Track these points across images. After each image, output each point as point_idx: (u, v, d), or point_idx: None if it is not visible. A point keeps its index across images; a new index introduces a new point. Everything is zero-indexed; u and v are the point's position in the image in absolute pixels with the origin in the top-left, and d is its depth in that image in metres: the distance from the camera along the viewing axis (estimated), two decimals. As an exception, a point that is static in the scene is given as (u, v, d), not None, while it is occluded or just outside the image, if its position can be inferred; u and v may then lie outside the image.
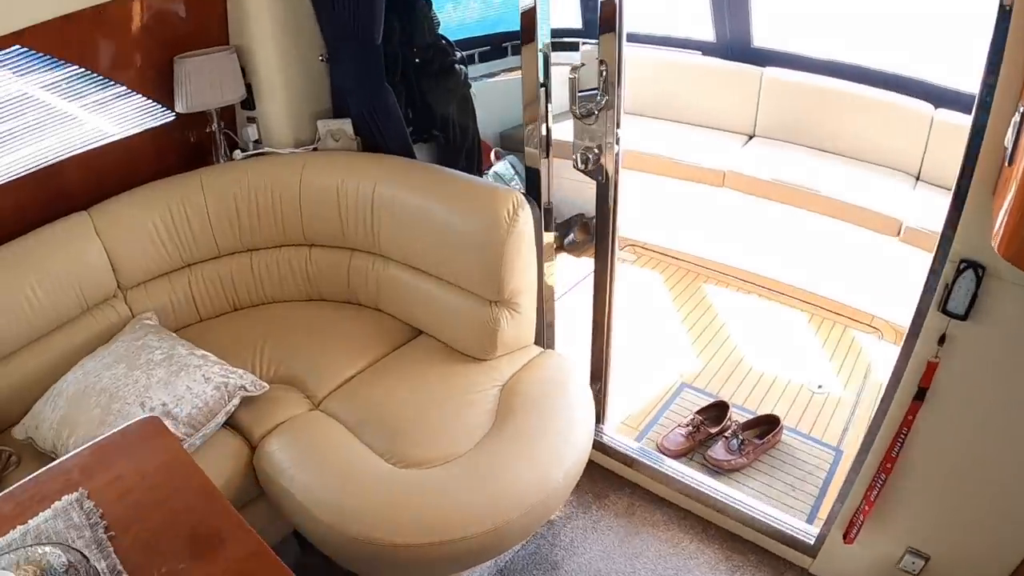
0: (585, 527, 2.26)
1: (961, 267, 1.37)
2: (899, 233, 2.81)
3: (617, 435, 2.49)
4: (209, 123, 2.37)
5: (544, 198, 2.16)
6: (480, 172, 2.92)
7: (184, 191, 2.24)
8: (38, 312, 1.98)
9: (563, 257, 3.59)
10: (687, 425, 2.52)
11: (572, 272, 3.25)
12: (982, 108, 1.28)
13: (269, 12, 2.26)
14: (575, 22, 3.81)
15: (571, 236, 3.63)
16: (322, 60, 2.39)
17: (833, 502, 1.91)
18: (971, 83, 1.30)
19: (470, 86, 2.77)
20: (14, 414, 1.95)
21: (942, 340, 1.45)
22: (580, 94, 1.88)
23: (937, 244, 1.44)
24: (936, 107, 2.95)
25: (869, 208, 2.90)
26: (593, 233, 2.25)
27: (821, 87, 3.29)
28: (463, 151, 2.81)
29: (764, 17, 3.46)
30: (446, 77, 2.72)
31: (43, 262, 1.99)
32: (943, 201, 1.40)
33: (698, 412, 2.57)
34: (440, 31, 2.68)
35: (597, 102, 1.90)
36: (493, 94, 3.11)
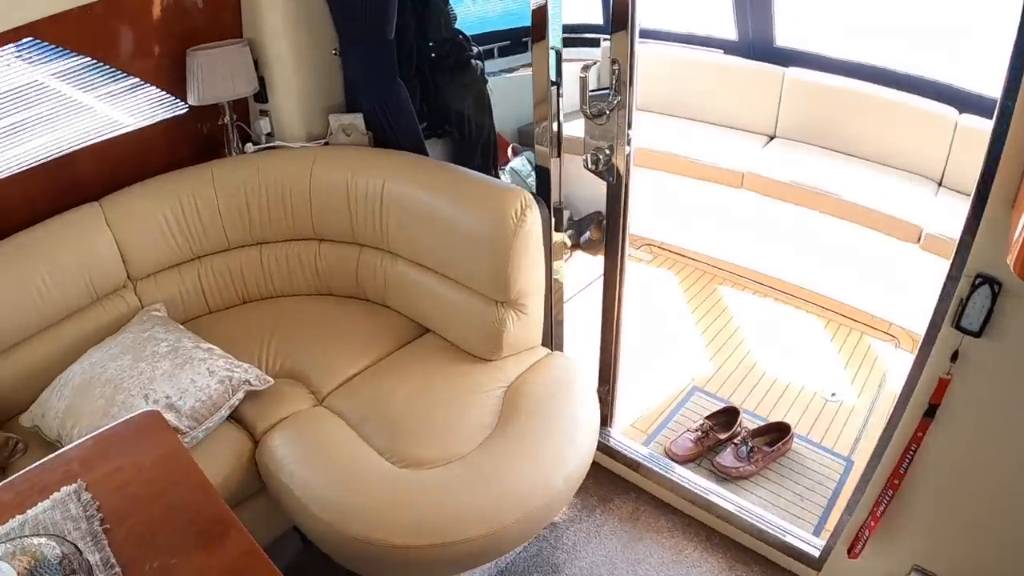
0: (588, 531, 2.24)
1: (976, 282, 1.32)
2: (919, 240, 2.75)
3: (624, 438, 2.47)
4: (222, 115, 2.37)
5: (555, 197, 2.13)
6: (496, 168, 2.90)
7: (195, 183, 2.25)
8: (48, 301, 2.00)
9: (579, 255, 3.57)
10: (696, 430, 2.49)
11: (587, 271, 3.22)
12: (1003, 115, 1.23)
13: (282, 5, 2.26)
14: (597, 17, 3.78)
15: (587, 234, 3.61)
16: (335, 54, 2.38)
17: (840, 514, 1.87)
18: (996, 88, 1.24)
19: (487, 81, 2.75)
20: (23, 402, 1.97)
21: (955, 357, 1.40)
22: (591, 93, 1.85)
23: (953, 256, 1.39)
24: (960, 111, 2.88)
25: (889, 213, 2.84)
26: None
27: (844, 88, 3.23)
28: (478, 147, 2.79)
29: (787, 16, 3.40)
30: (462, 72, 2.70)
31: (54, 252, 2.01)
32: (965, 208, 1.35)
33: (708, 417, 2.53)
34: (457, 26, 2.65)
35: (609, 102, 1.87)
36: (512, 89, 3.08)
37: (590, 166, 1.99)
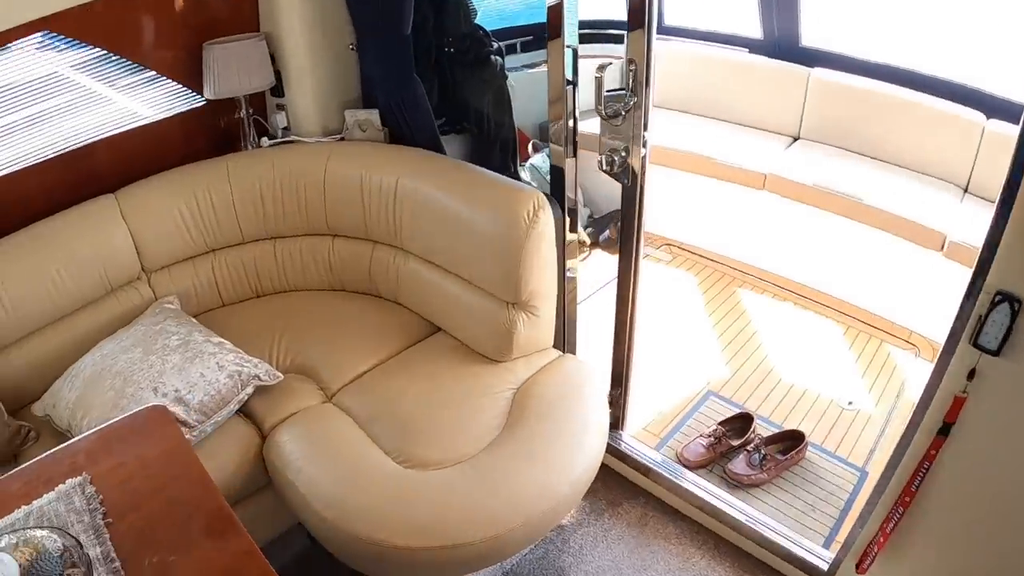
0: (596, 535, 2.22)
1: (996, 299, 1.28)
2: (943, 248, 2.69)
3: (635, 442, 2.45)
4: (238, 109, 2.38)
5: (569, 198, 2.11)
6: (515, 165, 2.88)
7: (210, 177, 2.26)
8: (62, 292, 2.02)
9: (598, 254, 3.54)
10: (709, 436, 2.46)
11: (605, 270, 3.19)
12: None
13: (299, 1, 2.25)
14: (622, 12, 3.73)
15: (606, 233, 3.58)
16: (352, 49, 2.37)
17: (852, 527, 1.84)
18: (1024, 93, 1.20)
19: (506, 77, 2.72)
20: (36, 390, 1.99)
21: (971, 375, 1.36)
22: (607, 93, 1.82)
23: (973, 270, 1.35)
24: (988, 116, 2.80)
25: (913, 220, 2.77)
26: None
27: (869, 90, 3.15)
28: (497, 143, 2.77)
29: (813, 15, 3.33)
30: (481, 68, 2.68)
31: (69, 243, 2.03)
32: (990, 216, 1.30)
33: (721, 423, 2.50)
34: (478, 20, 2.63)
35: (625, 103, 1.84)
36: (533, 85, 3.05)
37: (605, 167, 1.96)
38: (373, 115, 2.38)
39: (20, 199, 2.04)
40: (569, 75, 1.91)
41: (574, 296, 2.29)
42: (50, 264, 1.99)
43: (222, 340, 2.03)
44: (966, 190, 2.93)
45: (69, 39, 1.99)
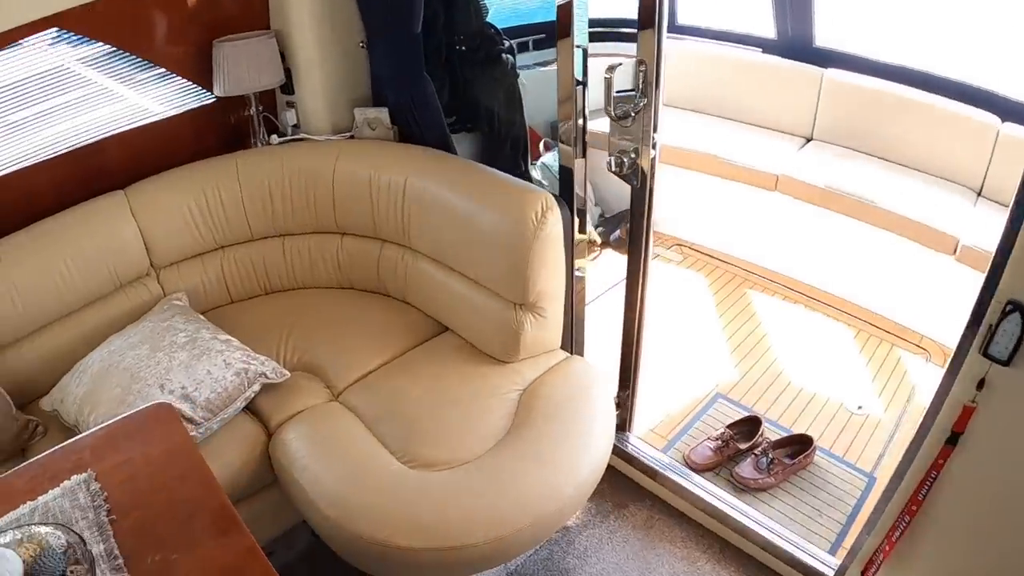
0: (601, 536, 2.22)
1: (1007, 309, 1.26)
2: (955, 251, 2.66)
3: (643, 444, 2.44)
4: (248, 106, 2.38)
5: (579, 197, 2.10)
6: (527, 163, 2.87)
7: (219, 174, 2.26)
8: (72, 287, 2.03)
9: (609, 253, 3.53)
10: (717, 439, 2.44)
11: (615, 269, 3.17)
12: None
13: (309, -2, 2.26)
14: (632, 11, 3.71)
15: (617, 232, 3.56)
16: (361, 47, 2.37)
17: (859, 533, 1.82)
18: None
19: (517, 75, 2.71)
20: (44, 385, 2.00)
21: (981, 385, 1.34)
22: (616, 94, 1.81)
23: (985, 277, 1.33)
24: (1003, 120, 2.77)
25: (925, 223, 2.74)
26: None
27: (883, 91, 3.12)
28: (508, 141, 2.76)
29: (827, 16, 3.30)
30: (492, 66, 2.67)
31: (79, 239, 2.04)
32: (1004, 220, 1.27)
33: (729, 426, 2.48)
34: (489, 18, 2.62)
35: (635, 104, 1.83)
36: (546, 83, 3.02)
37: (614, 169, 1.95)
38: (383, 113, 2.37)
39: (31, 195, 2.05)
40: (579, 75, 1.90)
41: (582, 297, 2.28)
42: (60, 260, 2.00)
43: (229, 337, 2.03)
44: (980, 194, 2.89)
45: (81, 36, 1.99)
